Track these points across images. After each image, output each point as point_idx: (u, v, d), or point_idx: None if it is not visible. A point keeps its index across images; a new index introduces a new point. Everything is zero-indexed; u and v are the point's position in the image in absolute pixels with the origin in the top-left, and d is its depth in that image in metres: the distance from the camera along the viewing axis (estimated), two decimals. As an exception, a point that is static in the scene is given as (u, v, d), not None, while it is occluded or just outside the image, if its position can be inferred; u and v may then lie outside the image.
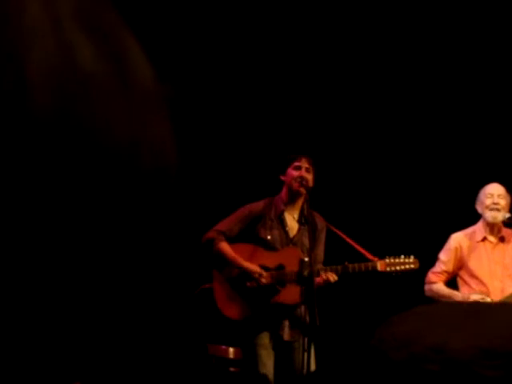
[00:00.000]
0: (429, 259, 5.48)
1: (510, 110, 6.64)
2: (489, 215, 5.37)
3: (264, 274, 4.88)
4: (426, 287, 5.47)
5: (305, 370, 4.71)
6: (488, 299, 5.24)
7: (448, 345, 1.77)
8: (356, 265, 4.89)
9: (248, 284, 4.91)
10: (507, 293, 5.29)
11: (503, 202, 5.37)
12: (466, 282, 5.40)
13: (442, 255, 5.47)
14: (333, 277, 4.87)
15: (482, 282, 5.34)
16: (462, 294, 5.34)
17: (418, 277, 5.45)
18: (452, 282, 5.51)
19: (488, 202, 5.37)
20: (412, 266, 5.03)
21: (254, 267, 4.90)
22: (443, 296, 5.36)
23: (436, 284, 5.43)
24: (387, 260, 4.97)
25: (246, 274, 4.91)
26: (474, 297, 5.25)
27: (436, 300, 5.38)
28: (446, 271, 5.44)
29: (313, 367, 4.82)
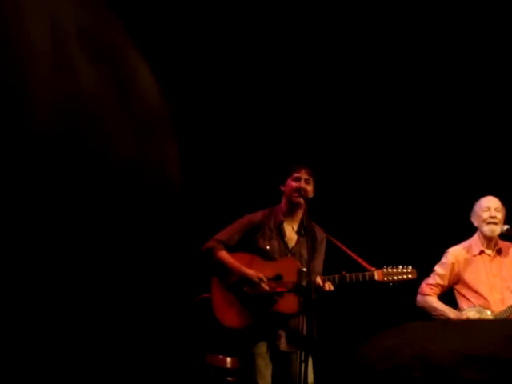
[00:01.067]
0: (427, 270, 5.48)
1: (503, 124, 6.66)
2: (487, 229, 5.37)
3: (264, 279, 4.88)
4: (419, 298, 5.45)
5: (302, 382, 4.70)
6: (487, 312, 5.23)
7: (431, 352, 1.78)
8: (354, 274, 4.88)
9: (247, 290, 4.89)
10: (507, 303, 5.28)
11: (500, 216, 5.39)
12: (463, 296, 5.39)
13: (439, 268, 5.46)
14: (329, 286, 4.86)
15: (481, 295, 5.32)
16: (455, 310, 5.32)
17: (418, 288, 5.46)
18: (449, 295, 5.50)
19: (485, 215, 5.37)
20: (410, 276, 5.02)
21: (253, 273, 4.89)
22: (436, 310, 5.33)
23: (430, 297, 5.41)
24: (385, 270, 4.95)
25: (246, 281, 4.90)
26: (469, 314, 5.24)
27: (427, 312, 5.37)
28: (440, 285, 5.43)
29: (310, 380, 4.81)
